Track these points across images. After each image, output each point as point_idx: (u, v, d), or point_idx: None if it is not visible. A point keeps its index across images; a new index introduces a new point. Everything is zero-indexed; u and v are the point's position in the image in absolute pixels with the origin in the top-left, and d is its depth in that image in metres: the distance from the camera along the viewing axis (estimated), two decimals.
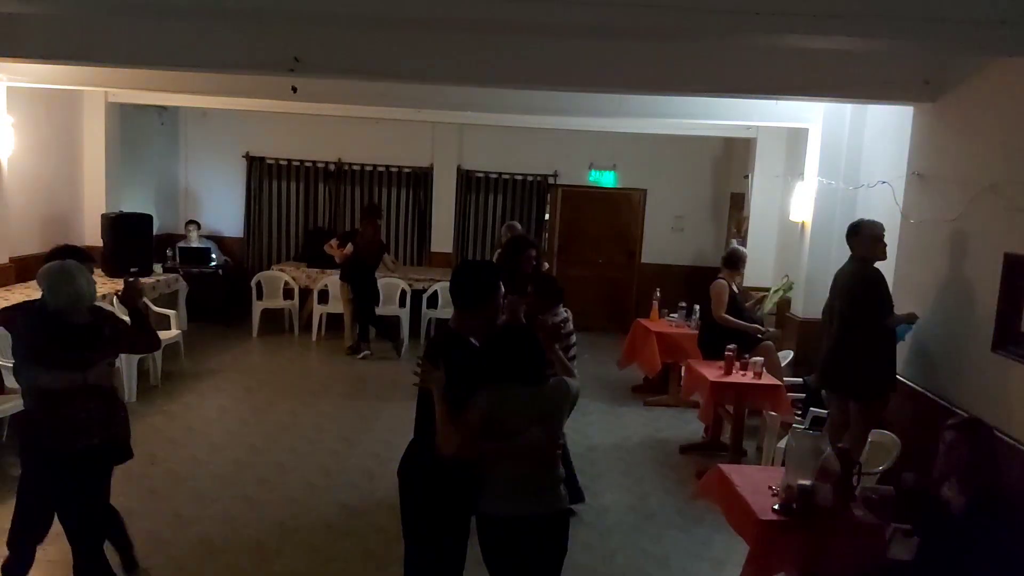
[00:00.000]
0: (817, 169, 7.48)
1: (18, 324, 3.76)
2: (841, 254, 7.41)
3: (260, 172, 11.52)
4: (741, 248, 7.59)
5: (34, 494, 3.88)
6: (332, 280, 10.17)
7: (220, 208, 11.59)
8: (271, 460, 6.18)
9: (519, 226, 9.40)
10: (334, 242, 9.66)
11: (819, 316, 7.49)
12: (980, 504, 3.53)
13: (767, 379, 6.35)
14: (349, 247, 9.39)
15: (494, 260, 6.62)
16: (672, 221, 11.71)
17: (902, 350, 5.84)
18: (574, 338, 5.16)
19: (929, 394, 5.30)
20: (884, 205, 6.49)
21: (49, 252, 4.12)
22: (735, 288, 7.13)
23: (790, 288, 8.16)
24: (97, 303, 3.91)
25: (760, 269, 9.64)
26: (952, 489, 3.66)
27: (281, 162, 11.50)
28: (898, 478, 4.04)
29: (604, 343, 10.30)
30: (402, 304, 10.13)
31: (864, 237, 5.42)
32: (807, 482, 3.92)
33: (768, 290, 9.47)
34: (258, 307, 10.14)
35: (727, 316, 6.98)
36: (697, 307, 7.99)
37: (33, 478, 3.86)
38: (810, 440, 4.14)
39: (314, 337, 10.07)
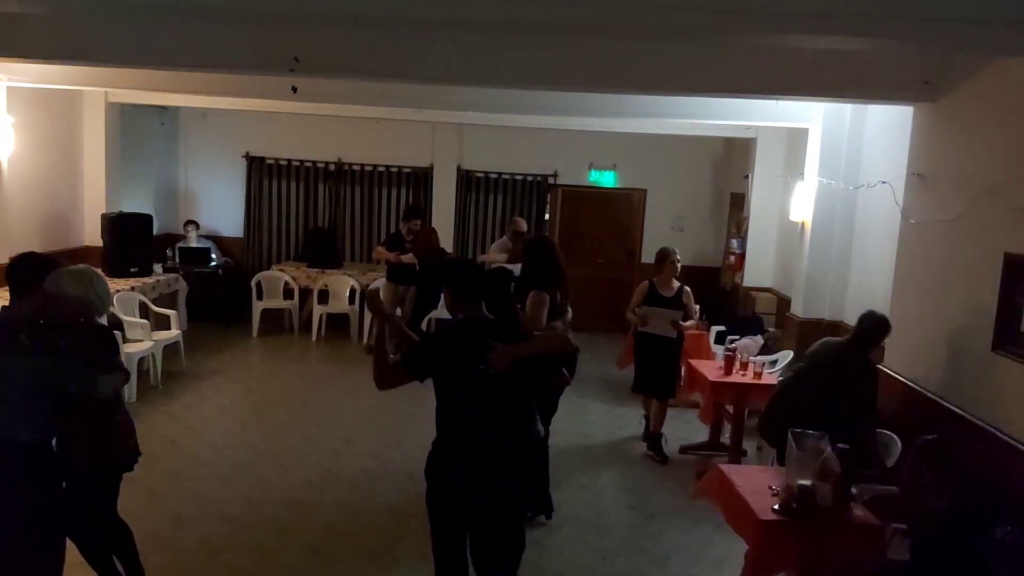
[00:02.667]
0: (817, 169, 7.48)
1: (66, 337, 3.51)
2: (841, 255, 7.46)
3: (260, 172, 11.52)
4: (667, 247, 6.90)
5: (57, 524, 3.63)
6: (332, 280, 10.18)
7: (220, 208, 11.59)
8: (271, 460, 6.18)
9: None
10: (381, 248, 9.56)
11: (819, 316, 7.55)
12: (965, 505, 3.55)
13: (767, 379, 6.35)
14: (411, 255, 9.26)
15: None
16: (672, 221, 11.70)
17: (901, 348, 5.85)
18: None
19: (929, 394, 5.29)
20: (884, 205, 6.50)
21: (28, 260, 3.66)
22: (665, 290, 6.69)
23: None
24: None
25: (760, 269, 9.65)
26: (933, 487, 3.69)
27: (281, 162, 11.50)
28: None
29: (604, 343, 10.30)
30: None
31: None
32: (807, 482, 3.93)
33: (768, 291, 9.48)
34: (258, 307, 10.14)
35: (628, 313, 6.85)
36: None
37: (53, 508, 3.58)
38: (810, 440, 4.14)
39: (314, 337, 10.07)
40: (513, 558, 3.61)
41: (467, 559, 3.56)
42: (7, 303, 3.60)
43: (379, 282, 9.72)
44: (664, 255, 6.77)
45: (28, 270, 3.54)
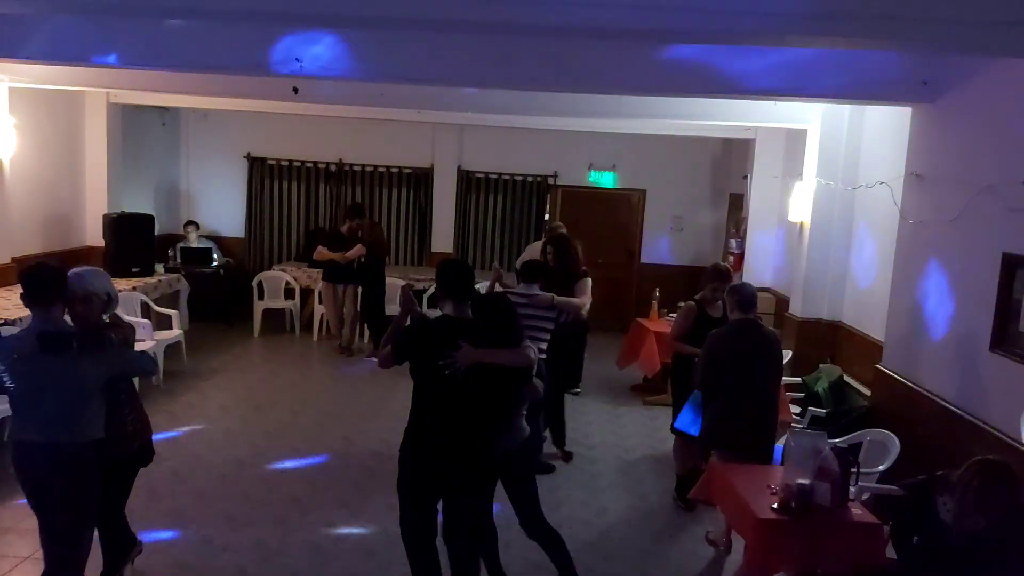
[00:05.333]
0: (816, 169, 7.51)
1: (116, 332, 3.81)
2: (839, 255, 7.48)
3: (261, 173, 11.55)
4: (727, 266, 6.34)
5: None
6: None
7: (221, 208, 11.61)
8: (272, 459, 6.20)
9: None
10: (323, 248, 9.37)
11: (818, 316, 7.58)
12: (1000, 527, 3.36)
13: None
14: (360, 247, 9.25)
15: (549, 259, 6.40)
16: (671, 221, 11.73)
17: (900, 348, 5.87)
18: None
19: (928, 393, 5.32)
20: (882, 205, 6.52)
21: (46, 270, 3.72)
22: (713, 311, 5.78)
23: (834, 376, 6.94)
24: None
25: (759, 269, 9.67)
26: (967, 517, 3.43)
27: (282, 163, 11.52)
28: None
29: (604, 343, 10.30)
30: None
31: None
32: (806, 481, 3.95)
33: (767, 291, 9.49)
34: (259, 307, 10.16)
35: (676, 342, 5.88)
36: None
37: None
38: (809, 439, 4.16)
39: (315, 337, 10.09)
40: (473, 532, 4.03)
41: (432, 540, 3.89)
42: (36, 316, 3.62)
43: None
44: (724, 275, 5.85)
45: (48, 277, 3.61)
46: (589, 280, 6.40)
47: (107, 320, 3.86)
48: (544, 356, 5.62)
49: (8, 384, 3.52)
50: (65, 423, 3.52)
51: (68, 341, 3.49)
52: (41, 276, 3.60)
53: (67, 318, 3.74)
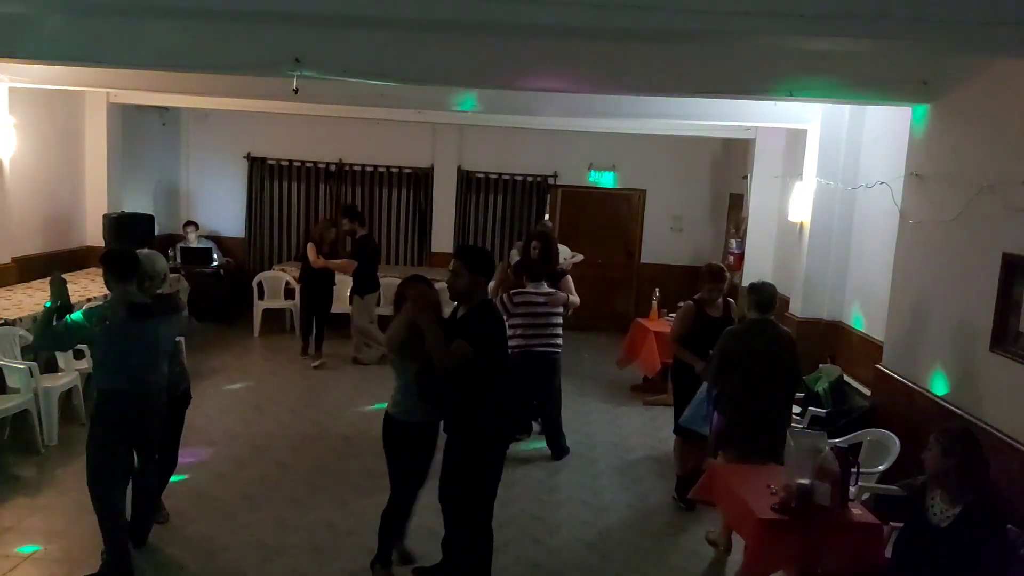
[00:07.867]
0: (816, 169, 7.51)
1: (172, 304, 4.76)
2: (839, 255, 7.49)
3: (261, 173, 11.54)
4: (722, 266, 6.22)
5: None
6: None
7: (221, 208, 11.61)
8: (272, 459, 6.20)
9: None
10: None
11: (818, 316, 7.58)
12: (972, 515, 3.48)
13: None
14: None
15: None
16: (671, 221, 11.74)
17: (900, 348, 5.87)
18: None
19: (927, 393, 5.32)
20: (882, 205, 6.52)
21: (125, 252, 4.48)
22: (713, 311, 5.74)
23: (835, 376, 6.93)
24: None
25: (759, 269, 9.66)
26: (941, 498, 3.59)
27: (282, 163, 11.52)
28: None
29: (603, 343, 10.32)
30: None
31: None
32: (806, 481, 3.95)
33: None
34: (259, 307, 10.17)
35: (679, 347, 5.78)
36: None
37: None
38: (809, 439, 4.17)
39: None
40: None
41: None
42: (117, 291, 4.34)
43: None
44: (719, 275, 5.80)
45: (129, 259, 4.34)
46: (569, 276, 7.00)
47: (162, 293, 4.63)
48: (560, 351, 6.55)
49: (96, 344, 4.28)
50: (147, 373, 4.31)
51: (150, 310, 4.31)
52: (123, 257, 4.35)
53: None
